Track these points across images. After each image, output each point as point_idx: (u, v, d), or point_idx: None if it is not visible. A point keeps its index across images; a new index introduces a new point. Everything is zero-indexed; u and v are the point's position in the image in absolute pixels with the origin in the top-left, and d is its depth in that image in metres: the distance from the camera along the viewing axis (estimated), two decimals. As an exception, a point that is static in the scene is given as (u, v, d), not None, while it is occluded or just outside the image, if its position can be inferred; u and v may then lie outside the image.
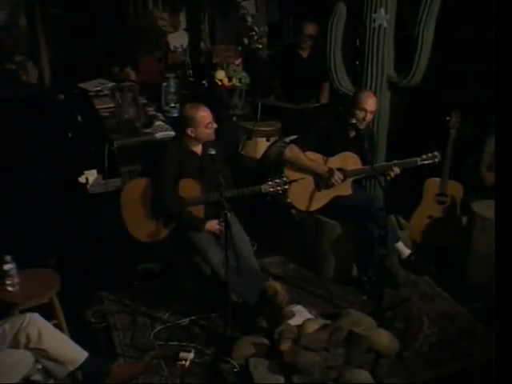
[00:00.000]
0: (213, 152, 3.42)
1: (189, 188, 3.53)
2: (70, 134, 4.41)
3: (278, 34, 6.24)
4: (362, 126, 3.80)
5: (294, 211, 4.24)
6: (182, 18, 5.89)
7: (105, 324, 3.60)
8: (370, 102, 3.76)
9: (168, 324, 3.55)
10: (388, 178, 3.80)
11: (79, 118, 4.53)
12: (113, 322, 3.61)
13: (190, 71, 5.43)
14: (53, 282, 3.15)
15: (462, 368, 3.23)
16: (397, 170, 3.79)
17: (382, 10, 3.85)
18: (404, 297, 3.80)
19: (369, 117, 3.80)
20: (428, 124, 4.92)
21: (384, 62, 4.03)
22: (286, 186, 3.57)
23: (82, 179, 4.10)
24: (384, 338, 3.26)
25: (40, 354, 2.79)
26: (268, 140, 4.90)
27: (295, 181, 3.68)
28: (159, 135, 4.27)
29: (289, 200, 3.94)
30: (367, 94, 3.77)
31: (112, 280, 3.92)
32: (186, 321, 3.57)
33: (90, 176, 4.12)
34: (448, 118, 4.08)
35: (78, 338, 3.10)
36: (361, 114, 3.76)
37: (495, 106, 2.43)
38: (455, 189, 4.22)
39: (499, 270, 2.32)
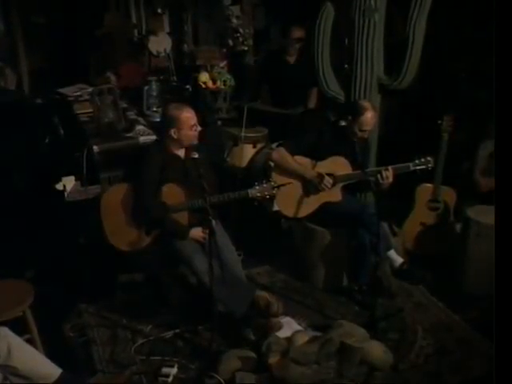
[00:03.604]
0: (196, 156, 3.34)
1: (172, 194, 3.45)
2: (46, 139, 4.33)
3: (265, 36, 6.21)
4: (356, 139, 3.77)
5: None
6: (165, 21, 5.82)
7: (84, 338, 3.51)
8: (371, 123, 3.72)
9: (150, 337, 3.47)
10: (380, 181, 3.68)
11: (57, 122, 4.44)
12: (92, 336, 3.53)
13: (174, 77, 5.38)
14: (26, 294, 3.03)
15: (459, 380, 3.16)
16: (389, 176, 3.68)
17: (372, 2, 3.78)
18: (397, 307, 3.75)
19: (367, 134, 3.78)
20: (419, 128, 4.88)
21: (374, 62, 3.98)
22: (274, 191, 3.50)
23: (59, 186, 4.03)
24: (377, 350, 3.20)
25: (9, 371, 2.68)
26: (254, 146, 4.84)
27: (283, 185, 3.61)
28: (141, 140, 4.22)
29: (276, 208, 3.88)
30: (371, 116, 3.69)
31: (92, 292, 3.83)
32: (169, 334, 3.49)
33: (68, 183, 4.04)
34: (440, 122, 4.03)
35: (55, 353, 3.03)
36: (360, 134, 3.73)
37: (494, 110, 2.41)
38: (448, 194, 4.17)
39: (499, 277, 2.28)
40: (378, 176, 3.67)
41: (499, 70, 2.39)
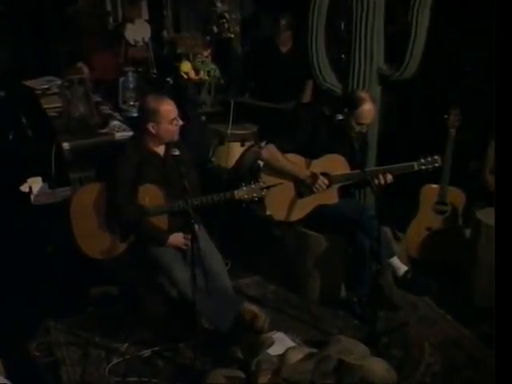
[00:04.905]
0: (176, 153, 3.33)
1: (150, 195, 3.43)
2: (10, 136, 4.30)
3: (253, 22, 6.24)
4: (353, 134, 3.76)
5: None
6: (143, 7, 5.81)
7: (51, 358, 3.48)
8: (370, 116, 3.71)
9: (126, 356, 3.45)
10: (377, 183, 3.69)
11: (22, 117, 4.42)
12: (61, 355, 3.48)
13: (154, 69, 5.37)
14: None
15: (470, 401, 3.18)
16: (389, 177, 3.70)
17: None
18: (401, 320, 3.75)
19: (365, 127, 3.77)
20: (424, 123, 4.89)
21: (373, 50, 3.98)
22: (264, 192, 3.48)
23: (24, 188, 4.00)
24: (379, 368, 3.15)
25: (-37, 394, 2.60)
26: (242, 145, 4.87)
27: (273, 186, 3.60)
28: (116, 136, 4.21)
29: (268, 213, 3.88)
30: (369, 108, 3.69)
31: (61, 306, 3.81)
32: (147, 352, 3.47)
33: (34, 184, 4.02)
34: (446, 116, 4.04)
35: (18, 375, 2.98)
36: (359, 128, 3.72)
37: (494, 105, 2.44)
38: (456, 196, 4.18)
39: (500, 283, 2.31)
40: (375, 180, 3.67)
41: (500, 67, 2.42)
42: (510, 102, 2.39)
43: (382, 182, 3.67)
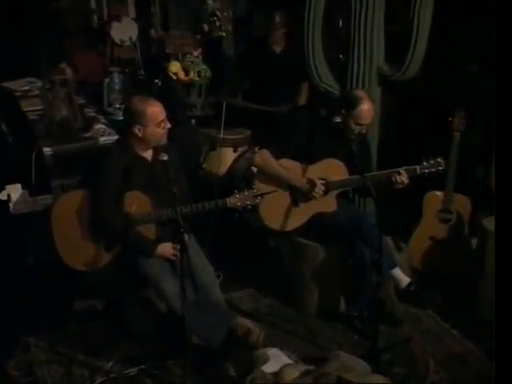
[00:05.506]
0: (165, 158, 3.30)
1: (137, 202, 3.41)
2: None
3: (246, 20, 6.26)
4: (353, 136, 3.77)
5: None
6: (130, 5, 5.82)
7: (31, 378, 3.45)
8: (370, 115, 3.71)
9: (112, 375, 3.43)
10: (394, 181, 3.70)
11: (1, 121, 4.42)
12: (41, 375, 3.46)
13: (142, 71, 5.37)
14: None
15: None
16: (404, 179, 3.69)
17: None
18: (404, 335, 3.74)
19: (365, 128, 3.78)
20: (426, 126, 4.89)
21: (373, 49, 4.01)
22: (257, 200, 3.48)
23: (2, 196, 3.97)
24: (381, 386, 3.14)
25: None
26: (235, 150, 4.85)
27: (268, 193, 3.59)
28: (101, 140, 4.21)
29: (263, 222, 3.87)
30: (368, 107, 3.69)
31: (42, 322, 3.79)
32: (134, 370, 3.45)
33: (13, 192, 3.99)
34: (450, 119, 4.03)
35: None
36: (358, 129, 3.72)
37: (495, 107, 2.48)
38: (461, 203, 4.18)
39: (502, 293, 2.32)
40: (392, 179, 3.67)
41: (501, 68, 2.45)
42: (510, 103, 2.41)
43: (399, 181, 3.67)
